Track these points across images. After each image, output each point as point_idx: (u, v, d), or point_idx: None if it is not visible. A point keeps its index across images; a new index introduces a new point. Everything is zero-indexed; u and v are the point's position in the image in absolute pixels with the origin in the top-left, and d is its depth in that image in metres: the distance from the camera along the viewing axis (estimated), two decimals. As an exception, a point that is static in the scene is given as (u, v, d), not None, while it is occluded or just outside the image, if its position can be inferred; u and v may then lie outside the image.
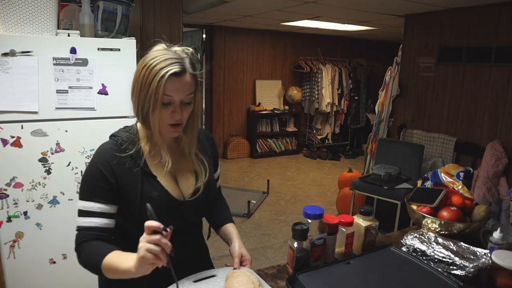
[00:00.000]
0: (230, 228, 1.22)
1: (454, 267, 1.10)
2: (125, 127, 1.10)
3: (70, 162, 1.97)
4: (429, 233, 1.27)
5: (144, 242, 0.82)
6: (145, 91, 0.95)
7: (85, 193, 1.01)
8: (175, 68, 0.93)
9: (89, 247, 0.97)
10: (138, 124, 1.08)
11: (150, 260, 0.82)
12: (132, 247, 0.90)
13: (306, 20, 4.68)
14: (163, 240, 0.82)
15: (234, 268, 1.09)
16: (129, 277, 0.88)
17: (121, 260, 0.90)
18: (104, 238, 0.99)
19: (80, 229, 1.00)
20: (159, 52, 0.97)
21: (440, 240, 1.22)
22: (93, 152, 2.04)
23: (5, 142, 1.82)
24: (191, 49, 1.02)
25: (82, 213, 1.00)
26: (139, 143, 1.04)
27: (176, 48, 1.00)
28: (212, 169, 1.17)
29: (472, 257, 1.12)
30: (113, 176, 1.00)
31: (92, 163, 1.02)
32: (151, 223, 0.83)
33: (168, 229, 0.84)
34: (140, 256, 0.83)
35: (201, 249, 1.24)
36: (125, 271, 0.88)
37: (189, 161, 1.11)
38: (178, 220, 1.06)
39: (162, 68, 0.93)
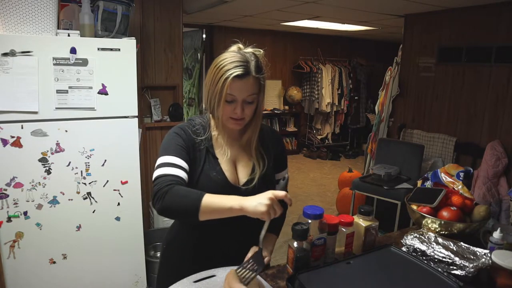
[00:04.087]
0: (267, 236, 1.23)
1: (454, 267, 1.10)
2: (201, 114, 1.23)
3: (70, 162, 1.97)
4: (429, 233, 1.27)
5: (271, 202, 0.94)
6: (213, 88, 1.07)
7: (166, 151, 1.10)
8: (238, 71, 1.04)
9: (182, 188, 1.02)
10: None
11: (266, 214, 0.94)
12: None
13: (306, 20, 4.68)
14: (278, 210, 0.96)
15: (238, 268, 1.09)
16: (233, 215, 0.98)
17: (227, 199, 0.99)
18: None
19: (162, 175, 1.05)
20: (229, 54, 1.08)
21: (440, 240, 1.22)
22: (93, 152, 2.07)
23: (5, 142, 1.82)
24: (262, 51, 1.14)
25: (164, 164, 1.07)
26: (210, 129, 1.18)
27: (248, 50, 1.12)
28: (270, 165, 1.22)
29: (472, 257, 1.12)
30: (188, 143, 1.13)
31: (171, 132, 1.15)
32: (281, 193, 0.97)
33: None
34: (262, 210, 0.94)
35: (252, 242, 1.23)
36: (231, 208, 0.97)
37: (249, 153, 1.20)
38: None
39: (227, 70, 1.04)
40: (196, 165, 1.13)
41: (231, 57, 1.06)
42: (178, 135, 1.13)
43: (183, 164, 1.08)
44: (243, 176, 1.18)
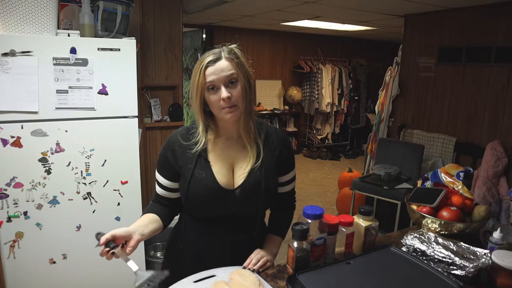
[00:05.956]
0: (272, 238, 1.25)
1: (454, 267, 1.10)
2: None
3: (70, 162, 1.97)
4: (429, 233, 1.26)
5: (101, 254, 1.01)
6: (194, 85, 1.10)
7: (157, 167, 1.23)
8: (210, 57, 1.09)
9: (149, 206, 1.24)
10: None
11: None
12: (182, 213, 1.26)
13: (306, 20, 4.68)
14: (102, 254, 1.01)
15: (244, 268, 1.10)
16: None
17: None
18: (163, 204, 1.23)
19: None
20: (206, 53, 1.12)
21: (440, 240, 1.22)
22: (93, 152, 2.07)
23: (5, 142, 1.82)
24: (235, 45, 1.15)
25: (156, 180, 1.23)
26: (205, 133, 1.16)
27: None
28: (272, 162, 1.18)
29: (472, 257, 1.12)
30: (175, 159, 1.16)
31: (163, 147, 1.21)
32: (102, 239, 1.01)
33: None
34: None
35: (257, 245, 1.22)
36: None
37: (247, 153, 1.16)
38: (221, 208, 1.14)
39: (201, 62, 1.09)
40: (187, 169, 1.14)
41: (206, 54, 1.12)
42: (165, 148, 1.20)
43: (162, 180, 1.20)
44: (239, 179, 1.15)
